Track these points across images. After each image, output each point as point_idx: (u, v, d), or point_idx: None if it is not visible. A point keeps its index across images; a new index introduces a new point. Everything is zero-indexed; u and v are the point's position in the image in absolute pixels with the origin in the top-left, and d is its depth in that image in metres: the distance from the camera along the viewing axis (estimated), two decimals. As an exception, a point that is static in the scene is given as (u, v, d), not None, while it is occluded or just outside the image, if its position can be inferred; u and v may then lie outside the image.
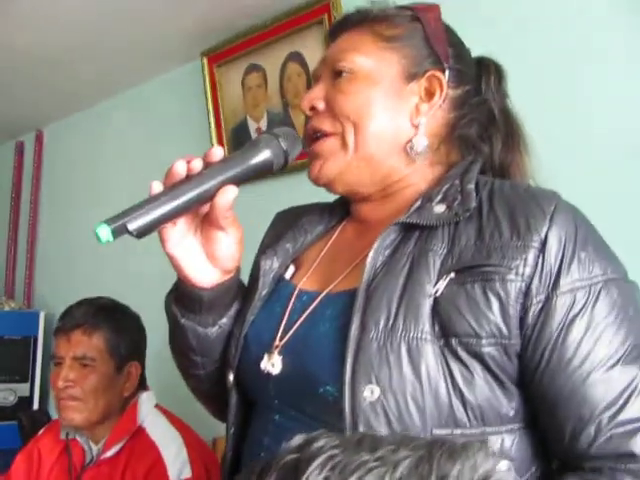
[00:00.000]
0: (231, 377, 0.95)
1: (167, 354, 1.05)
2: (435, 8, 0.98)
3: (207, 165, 0.82)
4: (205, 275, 0.89)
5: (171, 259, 0.87)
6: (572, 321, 0.77)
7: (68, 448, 1.77)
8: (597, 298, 0.78)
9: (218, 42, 2.31)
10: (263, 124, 2.23)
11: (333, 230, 1.03)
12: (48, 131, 3.21)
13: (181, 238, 0.85)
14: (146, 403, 1.77)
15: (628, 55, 1.51)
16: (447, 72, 0.94)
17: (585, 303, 0.77)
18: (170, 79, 2.60)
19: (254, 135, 2.26)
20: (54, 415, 2.82)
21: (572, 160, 1.53)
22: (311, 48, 2.04)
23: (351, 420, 0.77)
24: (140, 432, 1.71)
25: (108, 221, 0.75)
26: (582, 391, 0.76)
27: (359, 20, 0.96)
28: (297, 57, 2.10)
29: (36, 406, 2.79)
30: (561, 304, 0.77)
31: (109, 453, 1.68)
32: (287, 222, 1.08)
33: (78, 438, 1.76)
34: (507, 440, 0.79)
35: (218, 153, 0.82)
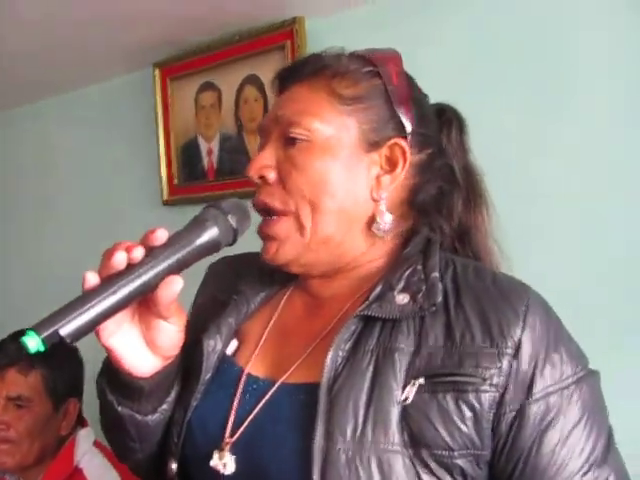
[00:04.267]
0: (174, 466, 0.88)
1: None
2: (396, 58, 0.91)
3: (149, 249, 0.73)
4: (145, 364, 0.80)
5: (107, 350, 0.78)
6: (546, 430, 0.76)
7: (-4, 488, 1.69)
8: (569, 402, 0.76)
9: (172, 55, 2.21)
10: (215, 146, 2.15)
11: (277, 297, 0.96)
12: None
13: (117, 327, 0.76)
14: (84, 441, 1.71)
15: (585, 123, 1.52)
16: (409, 138, 0.87)
17: (558, 409, 0.76)
18: (119, 86, 2.48)
19: (205, 156, 2.18)
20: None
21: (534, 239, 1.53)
22: (270, 73, 1.89)
23: None
24: (77, 473, 1.64)
25: (37, 328, 0.65)
26: None
27: (314, 72, 0.88)
28: (255, 80, 2.03)
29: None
30: (534, 412, 0.76)
31: (42, 495, 1.61)
32: (223, 278, 1.01)
33: (8, 478, 1.68)
34: None
35: (160, 236, 0.73)
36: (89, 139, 2.60)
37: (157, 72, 2.26)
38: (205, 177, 2.19)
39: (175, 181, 2.26)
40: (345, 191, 0.85)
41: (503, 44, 1.63)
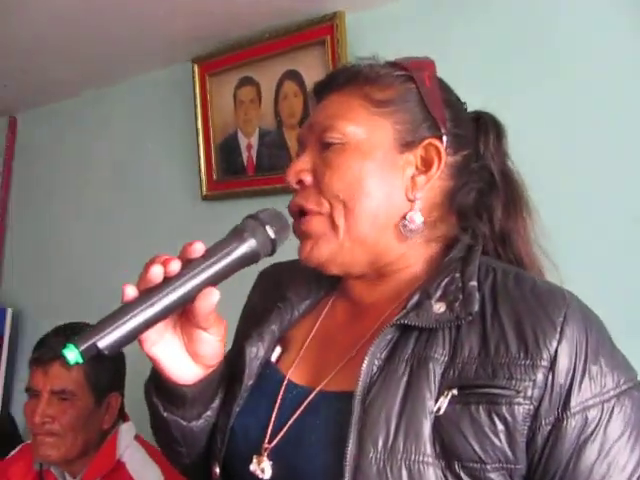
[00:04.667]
0: (217, 470, 0.90)
1: (145, 379, 0.97)
2: (430, 65, 0.91)
3: (186, 262, 0.74)
4: (187, 372, 0.83)
5: (151, 359, 0.81)
6: (584, 445, 0.73)
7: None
8: (610, 416, 0.73)
9: (211, 50, 2.21)
10: (254, 141, 2.15)
11: (321, 305, 0.96)
12: (22, 118, 3.07)
13: (159, 337, 0.78)
14: (125, 435, 1.72)
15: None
16: (445, 139, 0.87)
17: (597, 424, 0.73)
18: (157, 81, 2.49)
19: (244, 151, 2.18)
20: (16, 415, 2.76)
21: (573, 224, 1.50)
22: (310, 68, 1.96)
23: None
24: (119, 467, 1.66)
25: (76, 341, 0.69)
26: None
27: (347, 80, 0.89)
28: (294, 76, 2.02)
29: (-1, 407, 2.70)
30: (572, 426, 0.73)
31: (86, 488, 1.63)
32: (272, 285, 1.02)
33: (53, 470, 1.71)
34: None
35: (198, 249, 0.75)
36: (128, 134, 2.62)
37: (196, 67, 2.26)
38: (244, 172, 2.19)
39: (214, 176, 2.27)
40: (380, 191, 0.85)
41: (538, 41, 1.60)
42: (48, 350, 1.67)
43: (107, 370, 1.71)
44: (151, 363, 0.85)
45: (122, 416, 1.77)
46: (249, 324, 0.97)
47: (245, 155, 2.18)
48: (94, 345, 0.69)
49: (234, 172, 2.22)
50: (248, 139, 2.17)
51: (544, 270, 0.92)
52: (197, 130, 2.28)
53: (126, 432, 1.73)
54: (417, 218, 0.85)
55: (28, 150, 3.03)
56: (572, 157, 1.54)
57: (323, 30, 1.91)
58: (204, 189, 2.30)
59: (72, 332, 1.72)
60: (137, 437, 1.74)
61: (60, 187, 2.90)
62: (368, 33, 1.87)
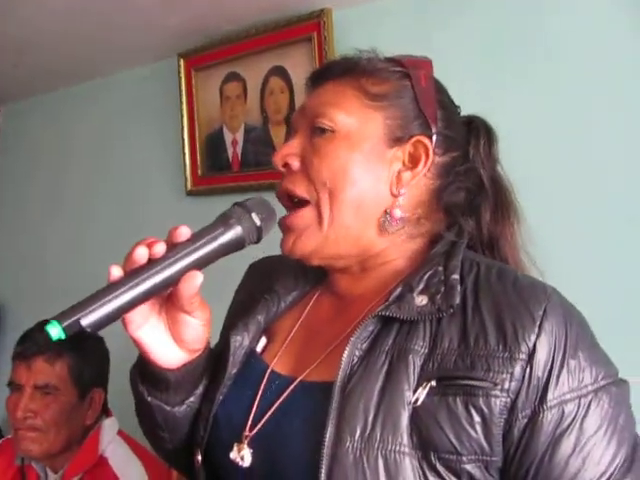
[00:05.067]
0: (199, 457, 0.90)
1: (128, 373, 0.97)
2: (427, 64, 0.93)
3: (172, 246, 0.75)
4: (171, 356, 0.83)
5: (135, 342, 0.81)
6: (560, 438, 0.73)
7: (23, 475, 1.70)
8: (587, 411, 0.74)
9: (198, 45, 2.21)
10: (240, 137, 2.15)
11: (307, 298, 0.97)
12: (5, 110, 3.05)
13: (144, 320, 0.79)
14: (108, 431, 1.71)
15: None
16: (434, 138, 0.88)
17: (574, 418, 0.73)
18: (143, 75, 2.48)
19: (230, 146, 2.17)
20: None
21: (566, 223, 1.51)
22: (296, 65, 1.96)
23: None
24: (102, 462, 1.65)
25: (59, 318, 0.68)
26: None
27: (344, 70, 0.90)
28: (281, 72, 2.02)
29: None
30: (548, 420, 0.73)
31: (68, 483, 1.62)
32: (260, 277, 1.03)
33: (34, 465, 1.70)
34: None
35: (184, 233, 0.75)
36: (113, 129, 2.61)
37: (182, 62, 2.26)
38: (229, 168, 2.19)
39: (199, 172, 2.27)
40: (365, 182, 0.86)
41: (530, 36, 1.61)
42: (32, 345, 1.65)
43: (91, 365, 1.71)
44: (134, 355, 0.86)
45: (105, 411, 1.76)
46: (236, 316, 0.97)
47: (230, 151, 2.18)
48: (77, 322, 0.69)
49: (219, 168, 2.22)
50: (233, 135, 2.17)
51: None
52: (182, 125, 2.28)
53: (109, 427, 1.72)
54: (396, 213, 0.86)
55: (11, 142, 3.01)
56: (568, 156, 1.55)
57: (310, 27, 1.92)
58: (189, 184, 2.29)
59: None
60: (120, 432, 1.73)
61: (43, 180, 2.88)
62: (355, 30, 1.87)
